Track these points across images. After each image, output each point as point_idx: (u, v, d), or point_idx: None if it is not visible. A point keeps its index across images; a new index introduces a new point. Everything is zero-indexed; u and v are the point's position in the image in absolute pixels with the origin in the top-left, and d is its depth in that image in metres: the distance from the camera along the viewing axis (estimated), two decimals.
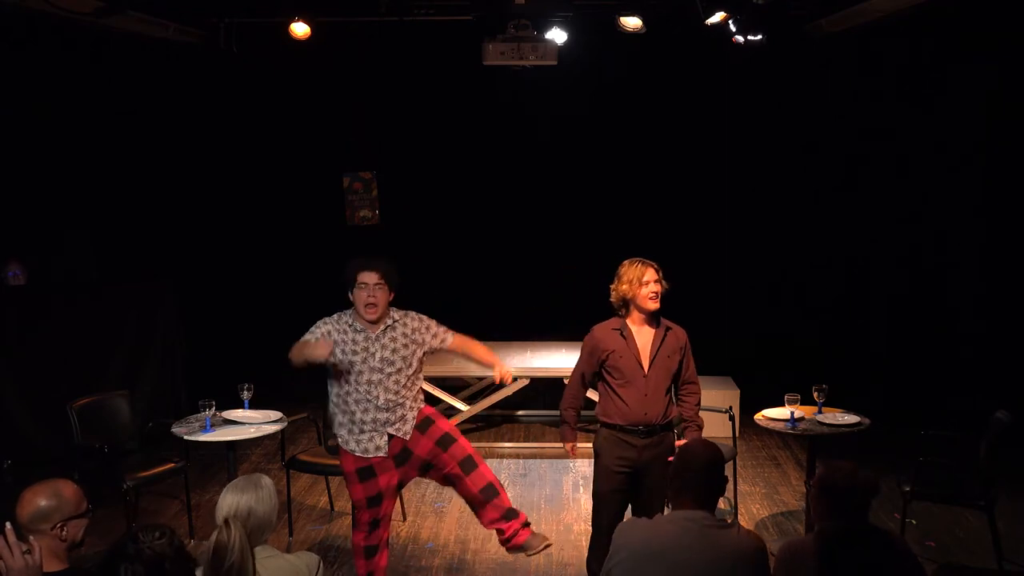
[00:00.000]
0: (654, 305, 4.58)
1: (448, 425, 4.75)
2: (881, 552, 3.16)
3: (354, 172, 9.36)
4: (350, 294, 4.59)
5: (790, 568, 3.19)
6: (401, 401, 4.55)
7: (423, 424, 4.62)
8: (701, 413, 4.68)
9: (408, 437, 4.58)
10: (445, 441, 4.63)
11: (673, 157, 9.04)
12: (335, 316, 4.65)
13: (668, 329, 4.64)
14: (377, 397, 4.50)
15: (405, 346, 4.58)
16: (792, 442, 7.52)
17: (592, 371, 4.71)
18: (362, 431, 4.53)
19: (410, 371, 4.58)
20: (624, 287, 4.59)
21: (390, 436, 4.54)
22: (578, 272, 9.24)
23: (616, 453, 4.58)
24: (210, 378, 7.23)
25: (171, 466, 5.79)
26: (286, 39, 7.71)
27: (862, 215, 8.70)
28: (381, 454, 4.54)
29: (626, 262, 4.64)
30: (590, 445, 4.87)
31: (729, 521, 3.23)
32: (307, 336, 4.57)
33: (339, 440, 4.63)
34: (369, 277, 4.50)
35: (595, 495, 4.71)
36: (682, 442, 4.44)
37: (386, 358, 4.53)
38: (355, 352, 4.51)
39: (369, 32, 8.30)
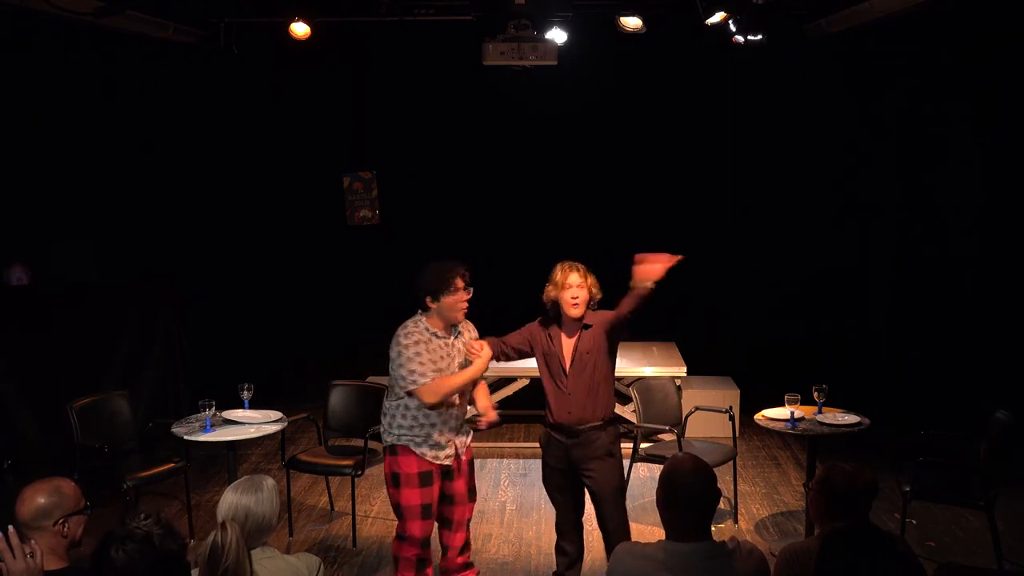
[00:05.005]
0: (576, 312, 4.55)
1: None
2: (881, 553, 3.15)
3: (354, 172, 9.36)
4: (436, 298, 4.42)
5: (791, 571, 3.18)
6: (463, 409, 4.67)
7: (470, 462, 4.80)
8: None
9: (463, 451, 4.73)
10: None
11: (674, 158, 9.03)
12: (411, 327, 4.42)
13: (587, 327, 4.57)
14: (455, 402, 4.55)
15: (463, 354, 4.63)
16: (792, 442, 7.52)
17: (511, 346, 4.73)
18: (441, 436, 4.55)
19: None
20: (550, 289, 4.61)
21: (457, 447, 4.64)
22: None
23: (551, 451, 4.76)
24: (210, 378, 7.22)
25: (171, 466, 5.81)
26: (286, 39, 7.71)
27: (862, 215, 8.69)
28: (449, 461, 4.62)
29: (557, 264, 4.64)
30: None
31: (728, 544, 2.98)
32: (419, 368, 4.33)
33: (409, 444, 4.52)
34: (463, 281, 4.46)
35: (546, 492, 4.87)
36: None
37: (461, 364, 4.56)
38: (441, 359, 4.48)
39: (369, 32, 8.30)
